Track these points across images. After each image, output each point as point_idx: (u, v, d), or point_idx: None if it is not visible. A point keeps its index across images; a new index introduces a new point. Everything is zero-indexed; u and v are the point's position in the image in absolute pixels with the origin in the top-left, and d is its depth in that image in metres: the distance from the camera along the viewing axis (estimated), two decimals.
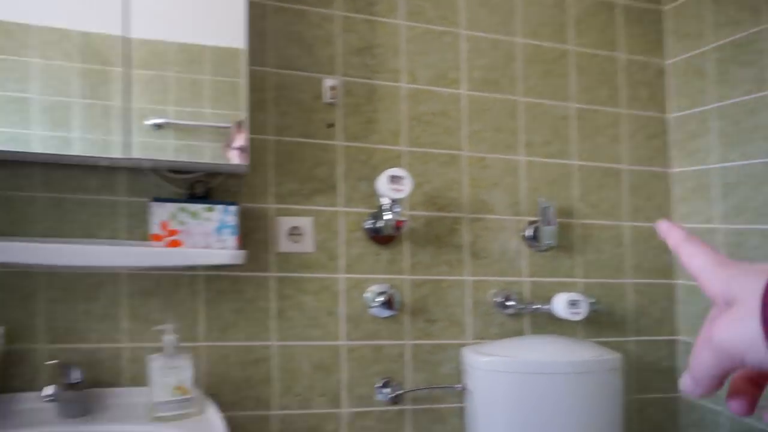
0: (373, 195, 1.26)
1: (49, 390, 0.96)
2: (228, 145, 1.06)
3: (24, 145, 0.96)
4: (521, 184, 1.36)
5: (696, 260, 0.37)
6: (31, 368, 1.08)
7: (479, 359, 1.21)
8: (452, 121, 1.33)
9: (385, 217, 1.15)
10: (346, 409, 1.21)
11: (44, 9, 0.97)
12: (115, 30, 1.00)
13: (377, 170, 1.27)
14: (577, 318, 1.26)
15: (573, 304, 1.26)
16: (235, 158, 1.06)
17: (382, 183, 1.14)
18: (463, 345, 1.29)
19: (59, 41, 0.98)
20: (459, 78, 1.34)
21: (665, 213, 1.47)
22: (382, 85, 1.29)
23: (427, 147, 1.31)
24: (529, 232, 1.35)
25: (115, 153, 0.99)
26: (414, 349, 1.26)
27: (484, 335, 1.31)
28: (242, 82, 1.06)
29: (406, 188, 1.15)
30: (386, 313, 1.24)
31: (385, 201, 1.16)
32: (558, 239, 1.32)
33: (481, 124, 1.35)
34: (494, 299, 1.32)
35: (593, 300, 1.33)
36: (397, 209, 1.16)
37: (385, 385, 1.23)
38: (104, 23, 1.00)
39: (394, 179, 1.14)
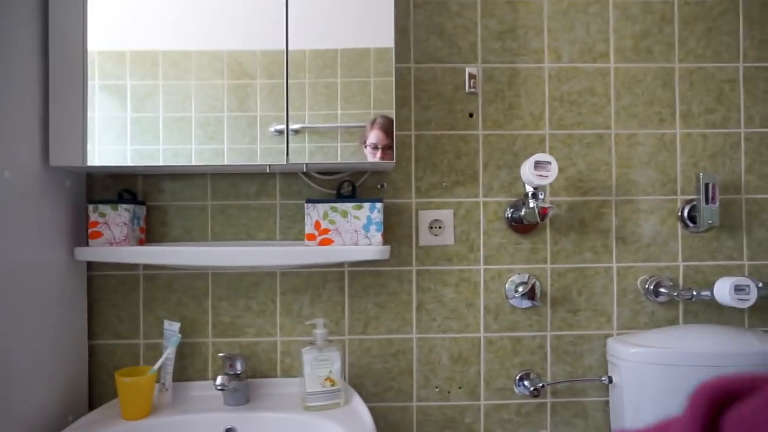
0: (514, 183, 1.21)
1: (219, 380, 1.03)
2: (363, 143, 1.05)
3: (186, 159, 1.01)
4: (677, 160, 1.23)
5: None
6: (201, 359, 1.17)
7: (628, 350, 1.13)
8: (598, 98, 1.22)
9: (529, 205, 1.09)
10: (484, 402, 1.20)
11: (200, 35, 1.02)
12: (265, 45, 1.03)
13: (519, 157, 1.20)
14: (746, 305, 1.13)
15: (740, 289, 1.13)
16: (370, 156, 1.05)
17: (527, 169, 1.08)
18: (609, 336, 1.22)
19: (211, 63, 1.02)
20: (607, 50, 1.22)
21: None
22: (523, 68, 1.21)
23: (572, 128, 1.21)
24: (685, 212, 1.22)
25: (275, 160, 1.03)
26: (555, 340, 1.21)
27: (632, 325, 1.23)
28: (390, 79, 1.04)
29: (551, 174, 1.07)
30: (527, 303, 1.20)
31: (529, 188, 1.10)
32: (720, 218, 1.18)
33: (631, 98, 1.22)
34: (644, 286, 1.23)
35: (762, 284, 1.19)
36: (542, 196, 1.10)
37: (524, 378, 1.21)
38: (250, 40, 1.02)
39: (539, 165, 1.07)
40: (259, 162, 1.02)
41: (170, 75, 1.02)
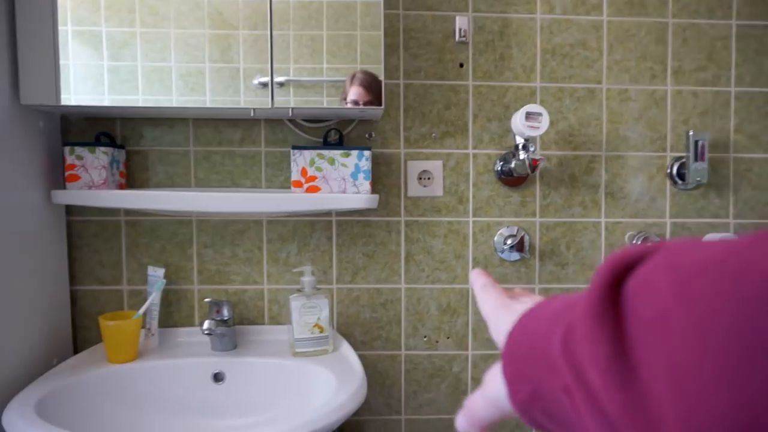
0: (504, 136, 1.20)
1: (206, 324, 1.02)
2: (343, 99, 1.02)
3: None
4: (668, 117, 1.23)
5: (485, 306, 0.38)
6: (187, 306, 1.16)
7: None
8: (591, 51, 1.20)
9: (519, 157, 1.09)
10: (472, 351, 1.21)
11: None
12: None
13: (509, 110, 1.19)
14: None
15: None
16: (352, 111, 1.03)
17: (518, 120, 1.07)
18: None
19: (191, 11, 0.98)
20: (600, 2, 1.20)
21: None
22: (515, 19, 1.18)
23: (563, 81, 1.20)
24: (674, 170, 1.23)
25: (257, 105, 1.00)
26: (544, 293, 1.22)
27: None
28: (379, 33, 1.01)
29: (543, 125, 1.07)
30: (515, 256, 1.20)
31: (519, 140, 1.09)
32: (708, 176, 1.19)
33: (624, 53, 1.21)
34: (632, 242, 1.24)
35: None
36: (532, 148, 1.09)
37: None
38: None
39: (530, 116, 1.06)
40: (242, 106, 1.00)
41: (148, 23, 0.98)
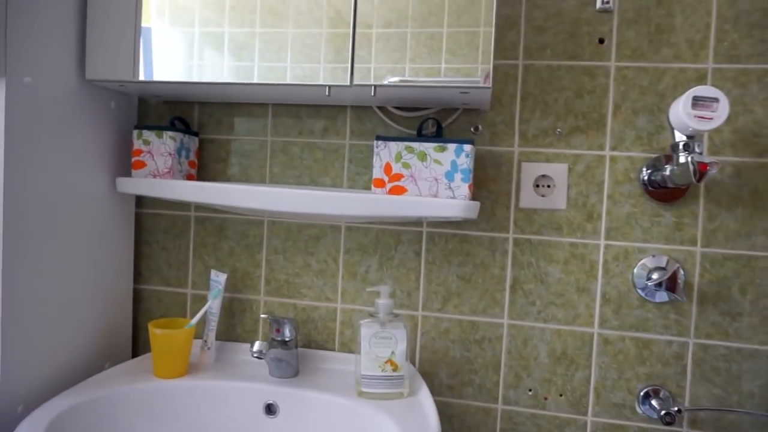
0: (656, 134, 0.90)
1: (257, 346, 0.86)
2: None
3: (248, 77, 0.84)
4: None
5: None
6: (251, 319, 1.02)
7: None
8: None
9: (679, 160, 0.79)
10: (593, 418, 0.92)
11: None
12: None
13: (665, 99, 0.89)
14: None
15: None
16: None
17: (680, 108, 0.77)
18: None
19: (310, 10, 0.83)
20: None
21: None
22: None
23: (748, 61, 0.88)
24: None
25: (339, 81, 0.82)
26: (701, 351, 0.89)
27: None
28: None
29: (719, 115, 0.76)
30: (664, 296, 0.89)
31: (680, 136, 0.80)
32: None
33: None
34: None
35: None
36: (699, 150, 0.79)
37: (652, 395, 0.90)
38: None
39: (700, 102, 0.76)
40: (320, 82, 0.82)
41: (267, 23, 0.84)
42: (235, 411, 0.87)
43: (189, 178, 0.98)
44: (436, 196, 0.84)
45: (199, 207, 1.03)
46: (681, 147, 0.80)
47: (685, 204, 0.90)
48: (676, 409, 0.87)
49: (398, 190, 0.85)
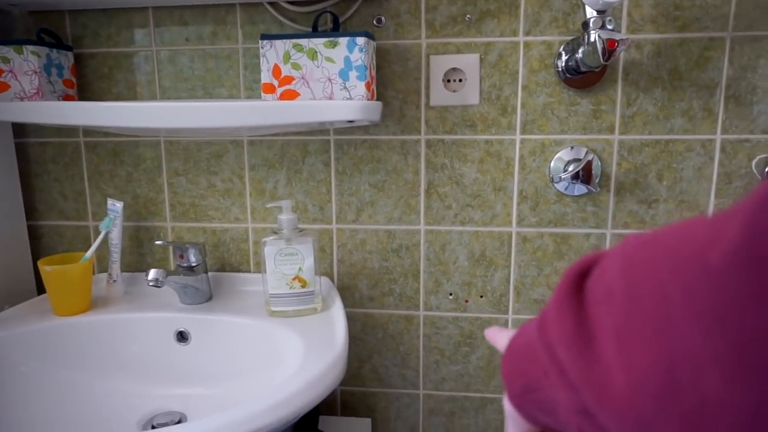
0: (573, 14, 0.82)
1: (151, 274, 0.81)
2: None
3: None
4: None
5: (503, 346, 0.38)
6: (160, 247, 0.96)
7: None
8: None
9: (590, 38, 0.72)
10: (513, 315, 0.92)
11: None
12: None
13: None
14: None
15: None
16: None
17: None
18: None
19: None
20: None
21: None
22: None
23: None
24: None
25: None
26: (618, 240, 0.87)
27: None
28: None
29: None
30: (580, 189, 0.86)
31: (591, 12, 0.73)
32: None
33: None
34: (763, 170, 0.85)
35: None
36: (611, 26, 0.72)
37: None
38: None
39: None
40: None
41: None
42: (145, 342, 0.83)
43: (66, 98, 0.88)
44: (331, 98, 0.76)
45: (88, 132, 0.94)
46: (591, 24, 0.73)
47: (602, 89, 0.84)
48: None
49: (290, 95, 0.77)
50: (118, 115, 0.75)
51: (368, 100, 0.76)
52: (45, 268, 0.81)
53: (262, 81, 0.77)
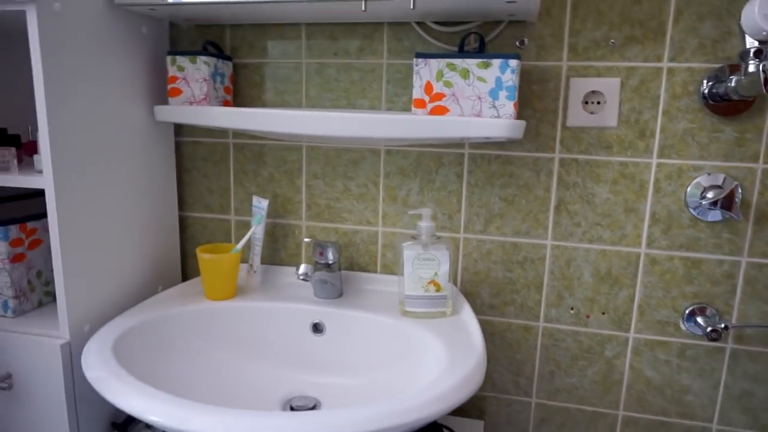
0: (722, 42, 0.83)
1: (302, 269, 0.88)
2: None
3: None
4: None
5: None
6: (294, 243, 1.04)
7: None
8: None
9: (748, 69, 0.73)
10: (635, 334, 0.92)
11: None
12: None
13: (736, 0, 0.81)
14: None
15: None
16: None
17: (756, 8, 0.70)
18: None
19: None
20: None
21: None
22: None
23: None
24: None
25: None
26: (755, 269, 0.87)
27: None
28: None
29: None
30: (717, 215, 0.86)
31: (751, 42, 0.73)
32: None
33: None
34: None
35: None
36: None
37: (698, 312, 0.90)
38: None
39: None
40: None
41: None
42: (283, 330, 0.91)
43: (225, 104, 0.97)
44: (479, 115, 0.81)
45: (237, 134, 1.03)
46: (752, 54, 0.73)
47: (749, 118, 0.84)
48: (723, 325, 0.86)
49: (440, 111, 0.82)
50: (270, 121, 0.83)
51: (514, 119, 0.80)
52: (204, 255, 0.90)
53: (414, 96, 0.82)
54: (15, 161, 0.83)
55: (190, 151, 1.05)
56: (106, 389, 0.65)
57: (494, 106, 0.80)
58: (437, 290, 0.85)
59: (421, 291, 0.85)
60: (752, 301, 0.88)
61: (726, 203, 0.84)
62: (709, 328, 0.86)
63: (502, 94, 0.79)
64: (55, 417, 0.79)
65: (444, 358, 0.73)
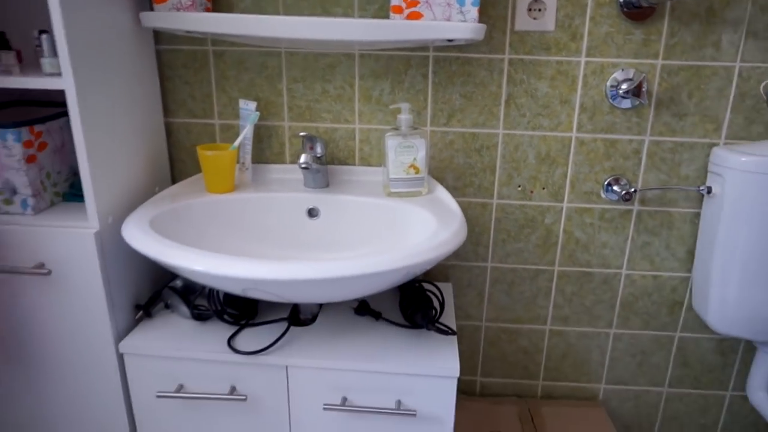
0: None
1: (303, 158, 1.01)
2: None
3: None
4: None
5: None
6: (278, 143, 1.14)
7: (737, 158, 1.03)
8: None
9: None
10: (567, 204, 1.16)
11: None
12: None
13: None
14: None
15: None
16: None
17: None
18: (714, 145, 1.12)
19: None
20: None
21: None
22: None
23: None
24: None
25: None
26: (653, 146, 1.12)
27: (743, 136, 1.11)
28: None
29: None
30: (628, 103, 1.09)
31: None
32: None
33: None
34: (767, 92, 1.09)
35: None
36: None
37: (614, 183, 1.14)
38: None
39: None
40: None
41: None
42: (281, 216, 1.04)
43: (207, 11, 1.03)
44: (449, 20, 0.95)
45: (216, 41, 1.09)
46: None
47: (653, 22, 1.05)
48: (633, 189, 1.11)
49: (415, 16, 0.95)
50: (263, 26, 0.91)
51: (478, 23, 0.95)
52: (206, 152, 0.99)
53: (392, 3, 0.94)
54: (17, 66, 0.86)
55: (170, 59, 1.10)
56: (159, 252, 0.76)
57: (461, 12, 0.94)
58: (416, 173, 1.02)
59: (403, 174, 1.02)
60: (651, 171, 1.13)
61: (636, 92, 1.07)
62: (623, 192, 1.11)
63: (468, 1, 0.93)
64: (94, 300, 0.89)
65: (433, 221, 0.90)
